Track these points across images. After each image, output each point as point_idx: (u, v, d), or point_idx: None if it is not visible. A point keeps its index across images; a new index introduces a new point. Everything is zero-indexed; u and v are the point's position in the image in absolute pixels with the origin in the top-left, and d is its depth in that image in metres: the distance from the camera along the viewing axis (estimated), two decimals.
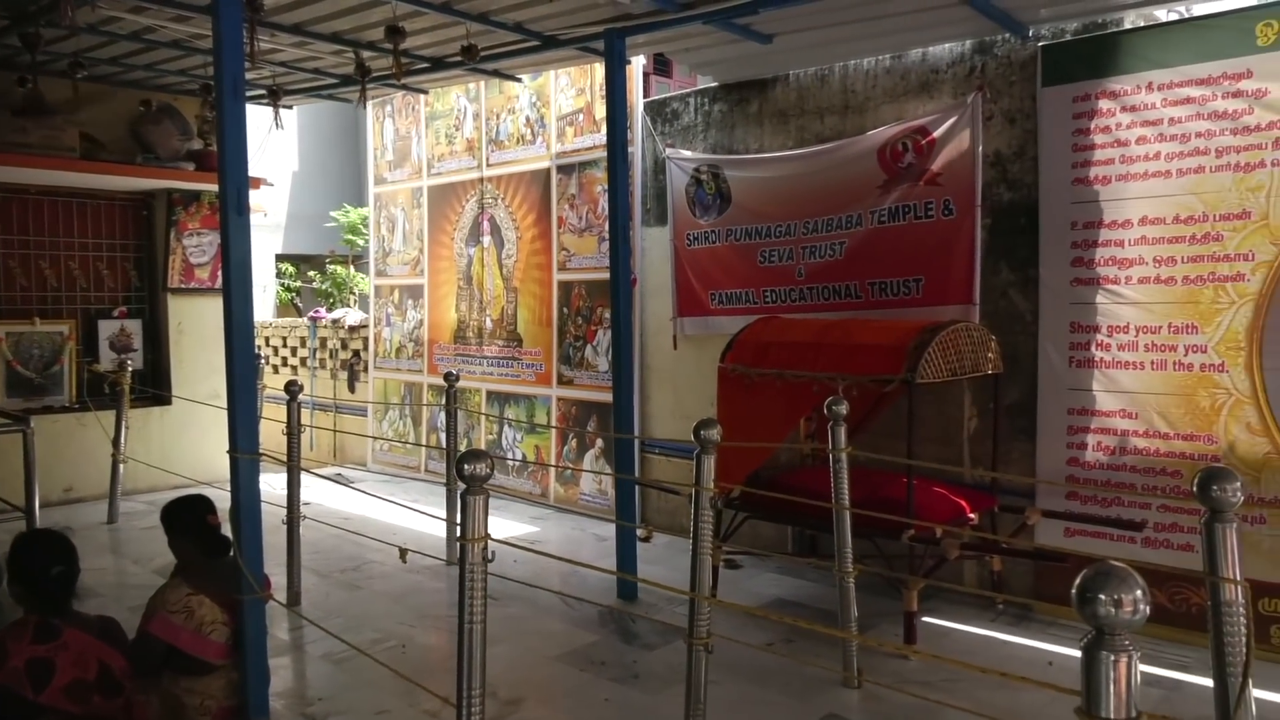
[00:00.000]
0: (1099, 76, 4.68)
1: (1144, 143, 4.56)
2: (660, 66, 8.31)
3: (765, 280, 6.03)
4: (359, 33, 5.58)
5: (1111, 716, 1.28)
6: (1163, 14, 4.76)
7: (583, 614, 5.01)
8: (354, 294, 11.07)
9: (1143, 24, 4.73)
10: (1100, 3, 4.63)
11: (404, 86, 6.97)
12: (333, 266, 11.38)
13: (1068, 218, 4.81)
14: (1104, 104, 4.67)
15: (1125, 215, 4.64)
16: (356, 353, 9.45)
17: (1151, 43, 4.56)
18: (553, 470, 7.47)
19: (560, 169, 7.33)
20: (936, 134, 5.15)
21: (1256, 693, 3.80)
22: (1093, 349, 4.75)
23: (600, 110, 6.69)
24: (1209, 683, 2.28)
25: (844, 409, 4.02)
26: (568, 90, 7.23)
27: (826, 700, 3.95)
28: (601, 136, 6.26)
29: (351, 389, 9.45)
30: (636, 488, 6.26)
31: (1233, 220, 4.33)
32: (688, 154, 6.42)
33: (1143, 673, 3.98)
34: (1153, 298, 4.57)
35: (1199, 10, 4.65)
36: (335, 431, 9.44)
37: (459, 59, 5.60)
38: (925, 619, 4.79)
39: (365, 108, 6.17)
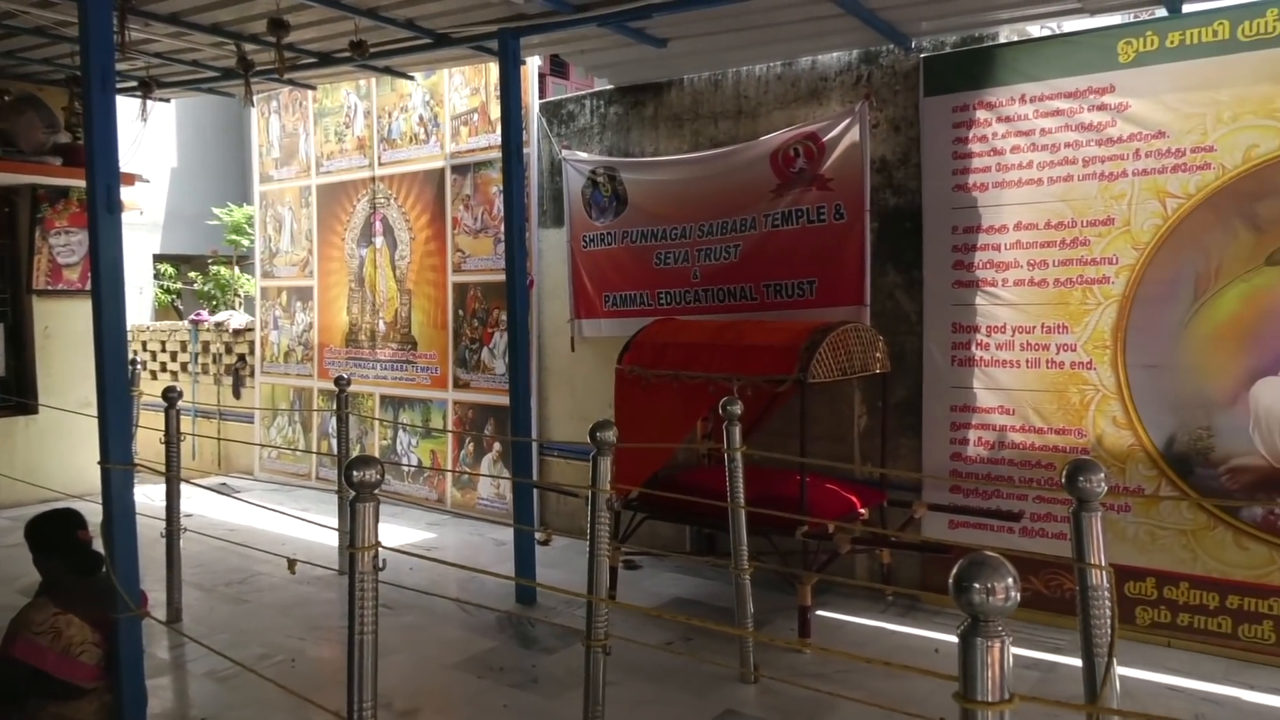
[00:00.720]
0: (976, 88, 4.90)
1: (1018, 152, 4.79)
2: (557, 68, 8.28)
3: (662, 282, 6.08)
4: (241, 24, 5.37)
5: (987, 699, 1.33)
6: (1035, 30, 5.01)
7: (481, 620, 4.94)
8: (239, 296, 10.64)
9: (1016, 39, 4.96)
10: (977, 18, 4.84)
11: (290, 82, 6.74)
12: (216, 267, 10.91)
13: (949, 223, 5.01)
14: (981, 114, 4.88)
15: (1002, 221, 4.86)
16: (242, 357, 9.09)
17: (1024, 57, 4.80)
18: (449, 475, 7.36)
19: (455, 169, 7.22)
20: (826, 140, 5.29)
21: (1122, 670, 4.04)
22: (973, 348, 4.96)
23: (496, 110, 6.62)
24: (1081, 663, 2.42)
25: (738, 409, 4.09)
26: (462, 89, 7.13)
27: (724, 696, 4.01)
28: (497, 137, 6.20)
29: (237, 395, 9.08)
30: (535, 491, 6.23)
31: (1098, 226, 4.59)
32: (584, 156, 6.42)
33: (1022, 656, 4.18)
34: (1027, 299, 4.80)
35: (1068, 27, 4.91)
36: (219, 440, 9.06)
37: (348, 55, 5.46)
38: (819, 612, 4.92)
39: (250, 103, 5.92)
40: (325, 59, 6.06)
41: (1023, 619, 4.66)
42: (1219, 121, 4.28)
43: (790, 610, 4.73)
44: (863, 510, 4.86)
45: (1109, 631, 2.17)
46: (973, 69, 4.93)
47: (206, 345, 9.34)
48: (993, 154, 4.86)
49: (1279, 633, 4.21)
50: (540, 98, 6.87)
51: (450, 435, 7.35)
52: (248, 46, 5.63)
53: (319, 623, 4.96)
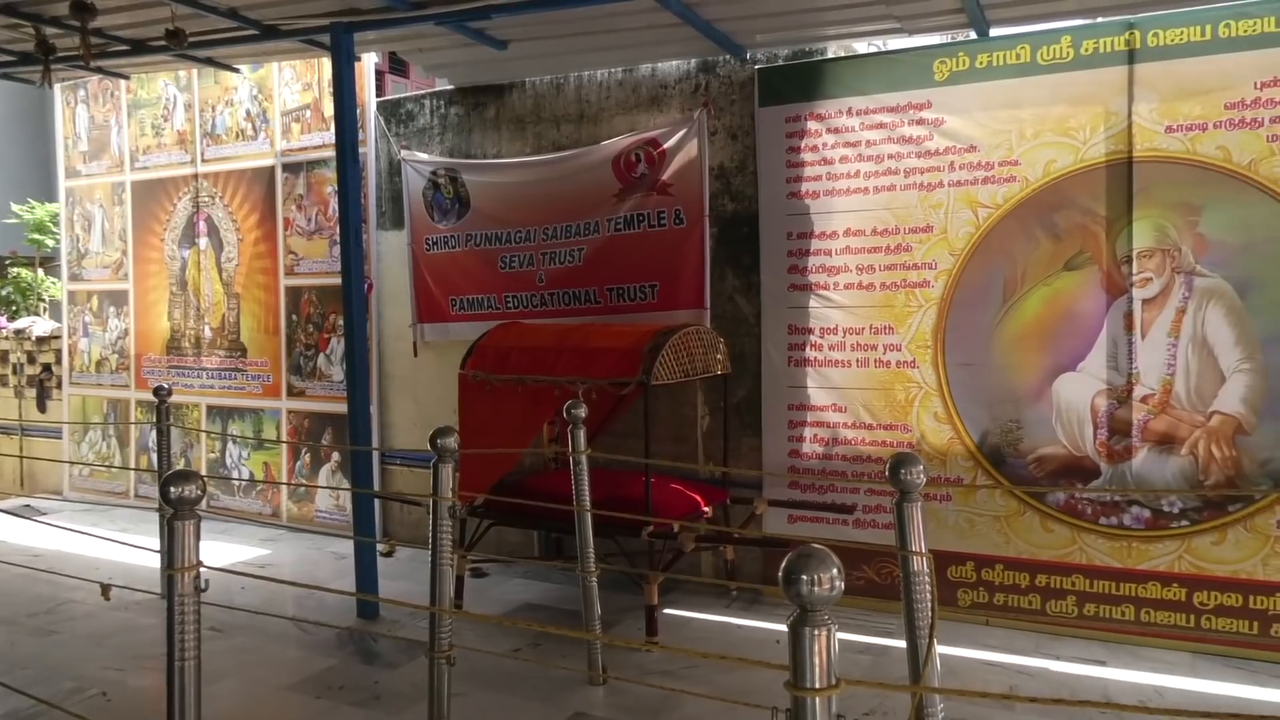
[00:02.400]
0: (808, 99, 5.11)
1: (846, 161, 5.03)
2: (397, 66, 8.08)
3: (506, 286, 6.02)
4: (40, 5, 4.93)
5: (815, 686, 1.38)
6: (861, 46, 5.27)
7: (319, 638, 4.73)
8: (43, 301, 9.77)
9: (844, 54, 5.21)
10: (807, 32, 5.06)
11: (98, 70, 6.26)
12: (15, 270, 9.98)
13: (784, 228, 5.20)
14: (812, 125, 5.10)
15: (833, 227, 5.09)
16: (47, 367, 8.34)
17: (851, 72, 5.05)
18: (284, 488, 7.01)
19: (286, 167, 6.90)
20: (667, 146, 5.38)
21: (947, 650, 4.31)
22: (808, 349, 5.17)
23: (330, 107, 6.37)
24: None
25: (583, 412, 4.10)
26: (293, 84, 6.82)
27: (573, 700, 4.00)
28: (331, 134, 5.96)
29: (41, 408, 8.33)
30: (376, 501, 6.03)
31: (919, 233, 4.88)
32: (424, 157, 6.27)
33: (855, 642, 4.38)
34: (857, 302, 5.04)
35: (892, 45, 5.19)
36: (21, 458, 8.29)
37: (164, 43, 5.11)
38: (666, 611, 4.99)
39: (51, 90, 5.44)
40: (139, 47, 5.65)
41: (857, 606, 4.88)
42: (1022, 138, 4.64)
43: (638, 610, 4.78)
44: (707, 509, 4.97)
45: (930, 614, 2.31)
46: (804, 81, 5.14)
47: (5, 355, 8.54)
48: (823, 163, 5.09)
49: (1080, 606, 4.60)
50: (378, 96, 6.67)
51: (285, 446, 7.01)
52: (49, 30, 5.18)
53: (138, 651, 4.62)
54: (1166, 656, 4.35)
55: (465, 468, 5.04)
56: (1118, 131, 4.45)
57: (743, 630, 4.83)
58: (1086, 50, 4.49)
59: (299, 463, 7.00)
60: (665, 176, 5.40)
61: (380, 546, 5.59)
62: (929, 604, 2.33)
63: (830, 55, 5.20)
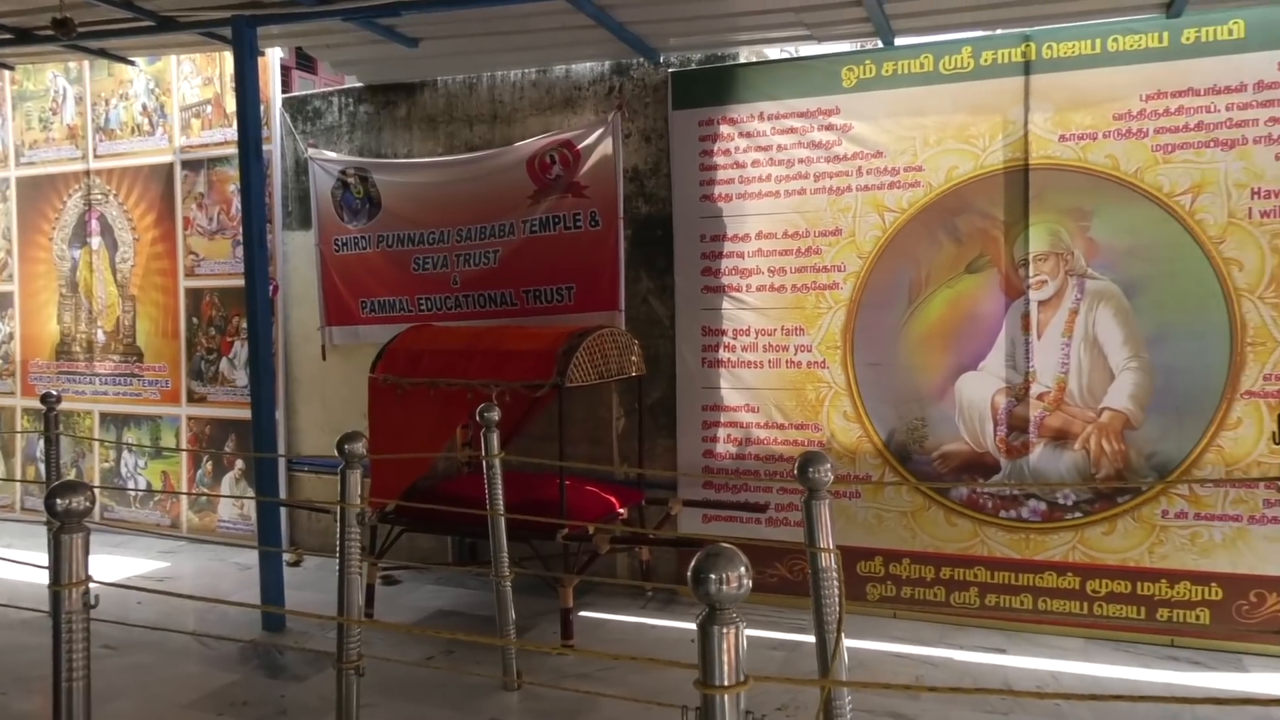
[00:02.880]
0: (720, 104, 5.17)
1: (758, 165, 5.11)
2: (304, 61, 7.86)
3: (420, 288, 5.92)
4: None
5: (724, 683, 1.39)
6: (773, 52, 5.36)
7: (222, 653, 4.57)
8: None
9: (755, 60, 5.29)
10: (719, 37, 5.11)
11: None
12: None
13: (697, 231, 5.25)
14: (725, 129, 5.16)
15: (745, 230, 5.16)
16: None
17: (763, 77, 5.12)
18: (184, 498, 6.75)
19: (186, 164, 6.64)
20: (581, 148, 5.38)
21: (858, 643, 4.42)
22: (721, 350, 5.22)
23: (232, 102, 6.16)
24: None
25: (496, 415, 4.06)
26: (193, 78, 6.58)
27: (487, 706, 3.95)
28: (234, 131, 5.76)
29: None
30: (283, 510, 5.86)
31: (828, 236, 4.99)
32: (333, 155, 6.12)
33: (768, 638, 4.44)
34: (768, 304, 5.12)
35: (804, 51, 5.29)
36: None
37: (51, 33, 4.86)
38: (582, 613, 4.98)
39: None
40: (24, 35, 5.37)
41: (770, 603, 4.96)
42: (926, 144, 4.78)
43: (554, 613, 4.75)
44: (622, 510, 4.98)
45: (838, 609, 2.35)
46: (717, 86, 5.19)
47: None
48: (736, 167, 5.15)
49: (982, 597, 4.76)
50: (284, 92, 6.48)
51: (185, 454, 6.75)
52: None
53: (24, 673, 4.37)
54: (1062, 643, 4.54)
55: (376, 473, 4.95)
56: (1015, 139, 4.63)
57: (658, 630, 4.85)
58: (986, 61, 4.66)
59: (200, 471, 6.75)
60: (580, 178, 5.39)
61: (287, 556, 5.44)
62: (837, 599, 2.38)
63: (742, 60, 5.27)
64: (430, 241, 5.87)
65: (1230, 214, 4.31)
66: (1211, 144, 4.32)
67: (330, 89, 6.43)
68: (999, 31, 4.69)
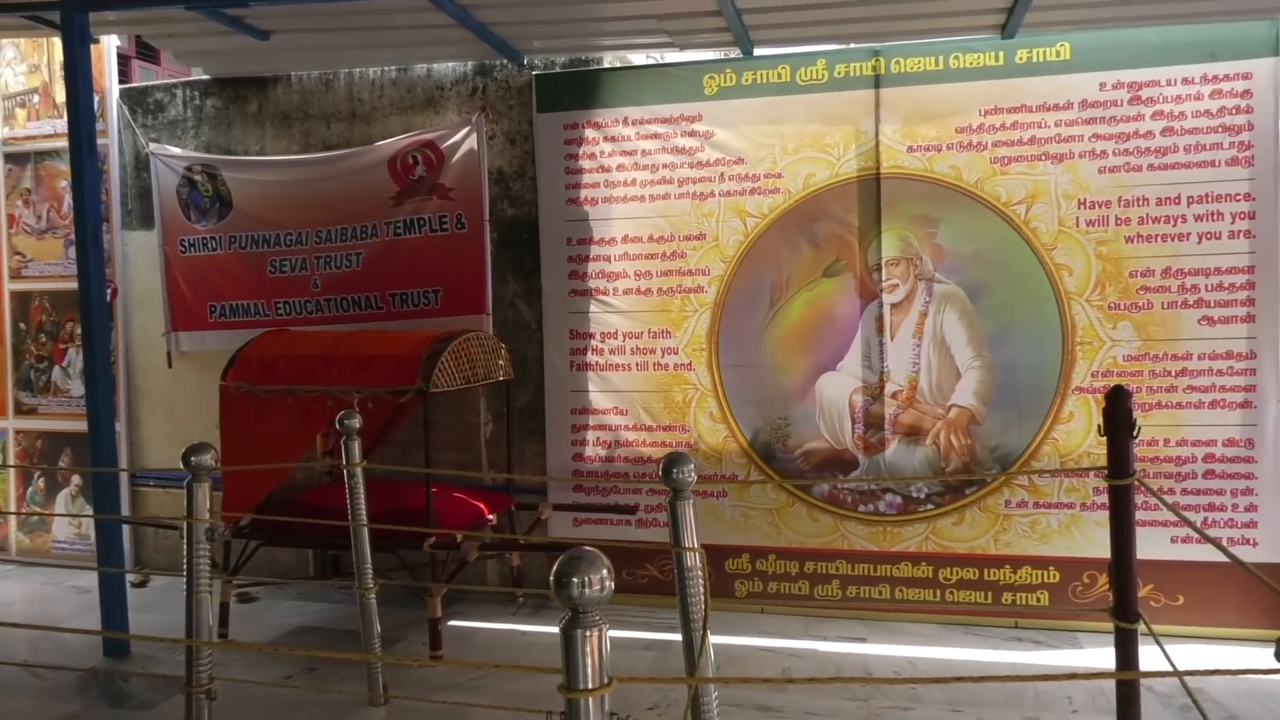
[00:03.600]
0: (585, 108, 5.18)
1: (623, 170, 5.14)
2: (146, 51, 7.40)
3: (277, 291, 5.68)
4: None
5: (588, 686, 1.39)
6: (637, 58, 5.41)
7: (58, 683, 4.25)
8: None
9: (620, 65, 5.33)
10: (583, 41, 5.13)
11: None
12: None
13: (564, 234, 5.24)
14: (590, 133, 5.17)
15: (611, 234, 5.18)
16: None
17: (627, 82, 5.17)
18: (13, 518, 6.24)
19: (10, 158, 6.15)
20: (445, 148, 5.28)
21: (727, 639, 4.51)
22: (589, 354, 5.24)
23: (62, 92, 5.74)
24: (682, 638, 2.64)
25: (357, 423, 3.93)
26: (17, 65, 6.10)
27: None
28: (65, 123, 5.38)
29: None
30: (125, 527, 5.50)
31: (693, 241, 5.07)
32: (177, 151, 5.80)
33: (639, 639, 4.47)
34: (635, 307, 5.17)
35: (670, 58, 5.36)
36: None
37: None
38: (452, 623, 4.89)
39: None
40: None
41: (642, 604, 5.00)
42: (784, 152, 4.93)
43: (423, 624, 4.64)
44: (491, 516, 4.91)
45: (703, 607, 2.39)
46: (582, 89, 5.21)
47: None
48: (601, 170, 5.17)
49: (844, 589, 4.94)
50: (122, 82, 6.08)
51: (12, 471, 6.24)
52: None
53: None
54: (918, 630, 4.76)
55: (228, 486, 4.72)
56: (867, 149, 4.83)
57: (529, 636, 4.81)
58: (839, 73, 4.85)
59: (30, 489, 6.25)
60: (445, 180, 5.30)
61: (131, 577, 5.12)
62: (701, 597, 2.42)
63: (607, 65, 5.30)
64: (287, 243, 5.64)
65: (1060, 223, 4.63)
66: (1043, 157, 4.64)
67: (174, 80, 6.08)
68: (852, 46, 4.89)
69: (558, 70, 5.31)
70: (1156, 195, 4.52)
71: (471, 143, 5.23)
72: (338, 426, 3.95)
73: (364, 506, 3.94)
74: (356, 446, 3.91)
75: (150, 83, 6.23)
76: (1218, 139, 4.45)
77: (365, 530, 3.94)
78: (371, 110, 5.56)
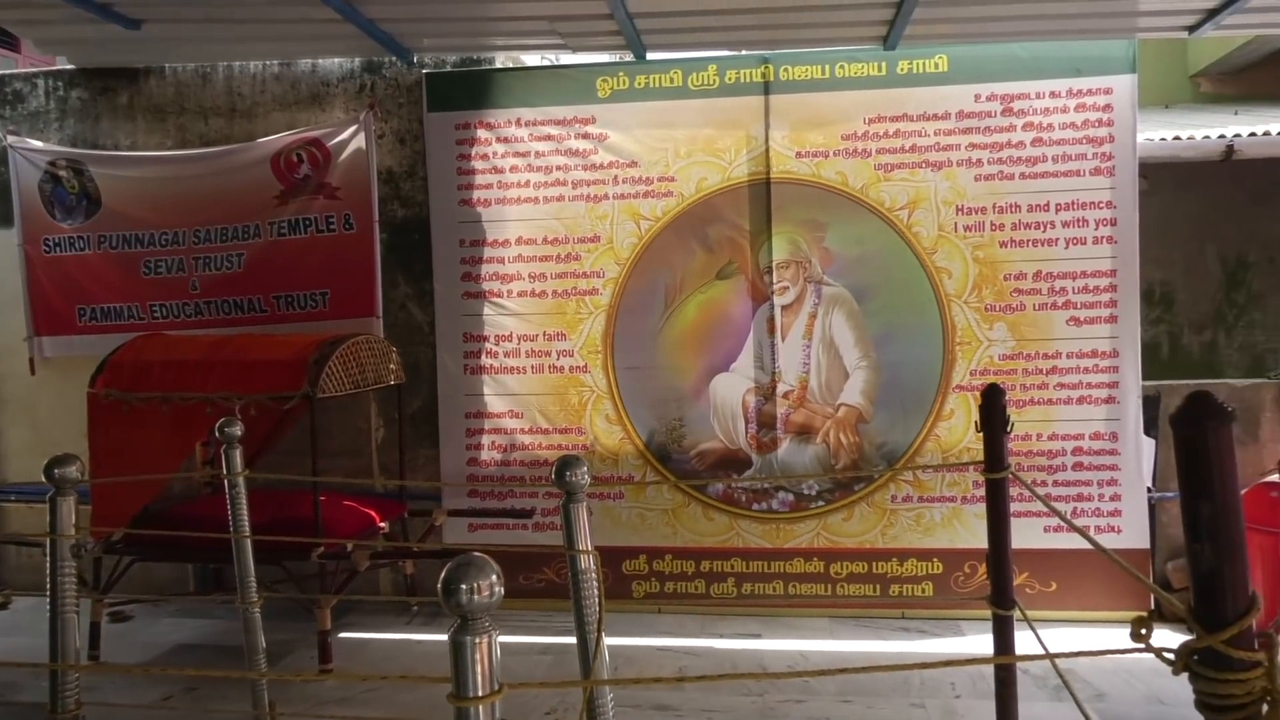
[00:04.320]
0: (478, 108, 5.12)
1: (516, 171, 5.11)
2: (5, 37, 6.96)
3: (152, 294, 5.41)
4: None
5: (478, 694, 1.37)
6: (531, 59, 5.38)
7: None
8: None
9: (512, 65, 5.28)
10: (474, 41, 5.07)
11: None
12: None
13: (456, 236, 5.17)
14: (482, 133, 5.11)
15: (505, 235, 5.14)
16: None
17: (520, 83, 5.13)
18: None
19: None
20: (331, 146, 5.14)
21: (625, 640, 4.51)
22: (483, 357, 5.17)
23: None
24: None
25: (238, 430, 3.76)
26: None
27: None
28: None
29: None
30: None
31: (587, 243, 5.07)
32: (39, 145, 5.46)
33: (538, 643, 4.44)
34: (530, 309, 5.13)
35: (565, 60, 5.34)
36: None
37: None
38: (343, 635, 4.75)
39: None
40: None
41: (540, 608, 4.97)
42: (677, 156, 4.99)
43: (312, 637, 4.49)
44: (383, 524, 4.80)
45: (597, 609, 2.39)
46: (473, 89, 5.14)
47: None
48: (494, 171, 5.12)
49: (739, 587, 5.02)
50: None
51: None
52: None
53: None
54: (810, 624, 4.88)
55: (98, 499, 4.47)
56: (757, 154, 4.93)
57: (424, 645, 4.72)
58: (730, 79, 4.93)
59: None
60: (331, 179, 5.15)
61: None
62: (595, 599, 2.41)
63: (499, 65, 5.25)
64: (163, 243, 5.38)
65: (940, 228, 4.82)
66: (923, 165, 4.82)
67: (35, 70, 5.74)
68: (743, 53, 4.98)
69: (449, 69, 5.23)
70: (1028, 202, 4.76)
71: (359, 141, 5.10)
72: (217, 435, 3.78)
73: (246, 517, 3.78)
74: (238, 455, 3.75)
75: (9, 71, 5.85)
76: (1082, 150, 4.71)
77: (248, 542, 3.78)
78: (253, 106, 5.36)
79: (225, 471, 3.75)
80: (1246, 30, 4.90)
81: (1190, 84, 7.42)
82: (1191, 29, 4.44)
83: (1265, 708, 1.27)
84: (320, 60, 5.27)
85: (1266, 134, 5.10)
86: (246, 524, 3.76)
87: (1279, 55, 6.29)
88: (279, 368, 4.42)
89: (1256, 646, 1.29)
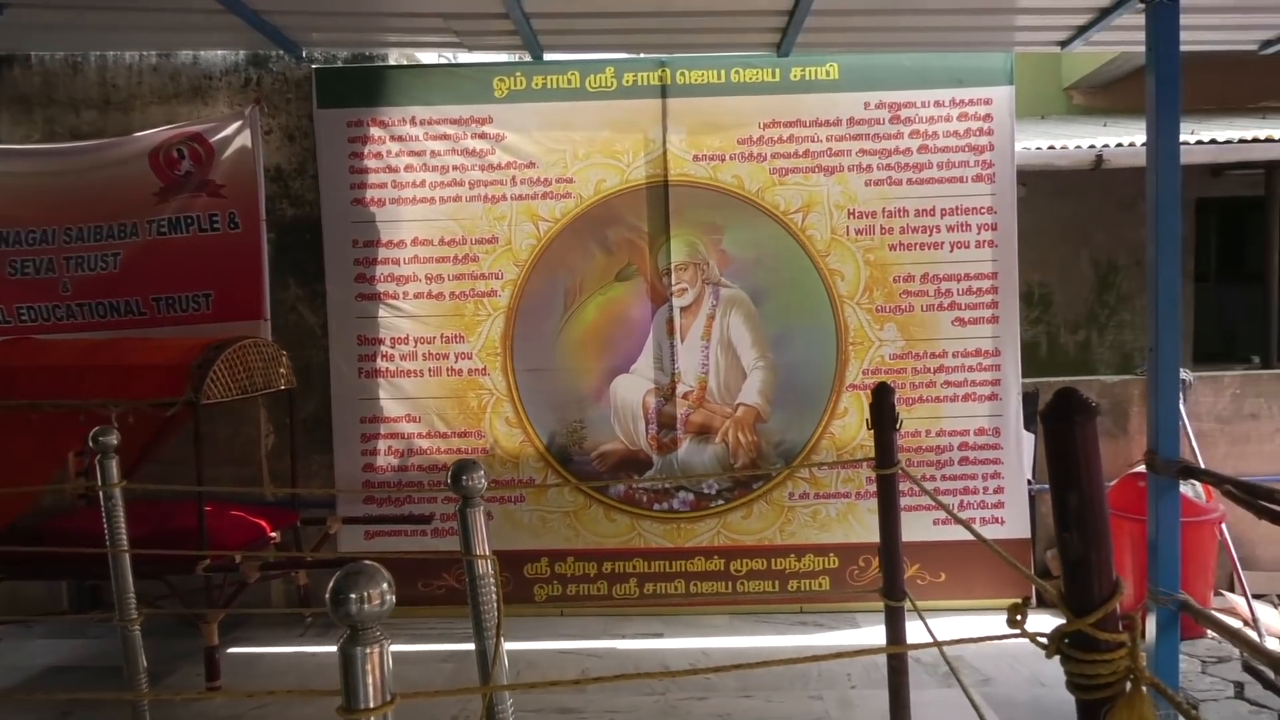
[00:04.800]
0: (370, 105, 5.00)
1: (412, 170, 5.01)
2: None
3: (18, 295, 5.09)
4: None
5: (369, 705, 1.34)
6: (427, 57, 5.28)
7: None
8: None
9: (406, 63, 5.18)
10: (367, 37, 4.94)
11: None
12: None
13: (349, 236, 5.04)
14: (375, 131, 5.00)
15: (400, 236, 5.03)
16: None
17: (415, 81, 5.03)
18: None
19: None
20: (214, 142, 4.93)
21: (527, 644, 4.48)
22: (379, 360, 5.06)
23: None
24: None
25: (114, 439, 3.57)
26: None
27: None
28: None
29: None
30: None
31: (485, 244, 5.02)
32: None
33: (439, 651, 4.36)
34: (427, 311, 5.04)
35: (462, 58, 5.26)
36: None
37: None
38: (232, 650, 4.58)
39: None
40: None
41: (441, 615, 4.89)
42: (576, 157, 4.98)
43: (198, 654, 4.30)
44: (274, 534, 4.63)
45: (495, 614, 2.36)
46: (366, 86, 5.02)
47: None
48: (388, 171, 5.01)
49: (641, 587, 5.04)
50: None
51: None
52: None
53: None
54: (712, 621, 4.94)
55: None
56: (655, 157, 4.96)
57: (318, 658, 4.58)
58: (628, 82, 4.95)
59: None
60: (215, 176, 4.94)
61: None
62: (494, 604, 2.39)
63: (392, 62, 5.14)
64: (30, 241, 5.07)
65: (832, 231, 4.95)
66: (816, 170, 4.94)
67: None
68: (640, 56, 5.00)
69: (340, 65, 5.09)
70: (915, 207, 4.93)
71: (245, 138, 4.91)
72: (91, 444, 3.58)
73: (124, 530, 3.59)
74: (114, 465, 3.56)
75: None
76: (965, 157, 4.91)
77: (126, 556, 3.59)
78: (129, 98, 5.10)
79: (100, 483, 3.56)
80: (1113, 46, 5.19)
81: (1064, 96, 7.85)
82: (1064, 44, 4.68)
83: (1128, 685, 1.35)
84: (202, 52, 5.05)
85: (1133, 144, 5.43)
86: (125, 537, 3.58)
87: (1143, 71, 6.69)
88: (159, 372, 4.21)
89: (1121, 629, 1.37)
